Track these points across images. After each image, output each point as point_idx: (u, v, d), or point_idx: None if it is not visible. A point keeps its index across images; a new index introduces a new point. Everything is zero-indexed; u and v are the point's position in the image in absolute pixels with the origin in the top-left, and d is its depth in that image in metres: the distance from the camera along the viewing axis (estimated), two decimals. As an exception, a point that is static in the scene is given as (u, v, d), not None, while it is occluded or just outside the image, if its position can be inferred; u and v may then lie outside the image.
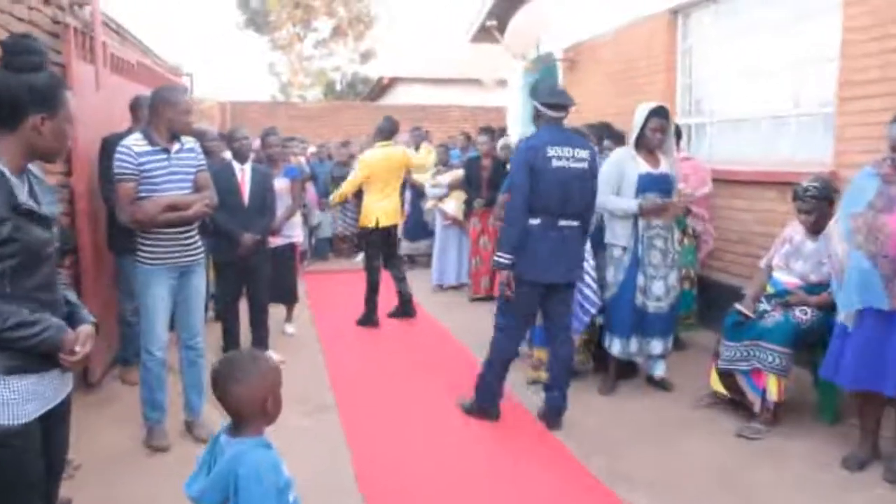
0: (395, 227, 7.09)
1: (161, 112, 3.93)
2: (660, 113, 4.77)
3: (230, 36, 51.74)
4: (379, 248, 6.92)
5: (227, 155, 5.75)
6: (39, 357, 2.09)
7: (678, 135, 5.65)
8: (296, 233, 6.65)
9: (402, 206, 9.97)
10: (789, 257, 4.49)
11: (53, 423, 2.23)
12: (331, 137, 14.91)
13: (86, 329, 2.22)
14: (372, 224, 6.79)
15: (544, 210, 4.19)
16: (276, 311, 6.20)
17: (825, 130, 5.48)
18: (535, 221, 4.20)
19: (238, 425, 2.04)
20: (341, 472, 3.85)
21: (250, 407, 2.01)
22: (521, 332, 4.60)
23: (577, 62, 9.66)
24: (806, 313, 4.27)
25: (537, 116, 4.37)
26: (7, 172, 2.04)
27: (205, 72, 39.56)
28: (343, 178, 10.86)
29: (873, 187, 3.66)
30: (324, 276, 9.72)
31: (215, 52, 50.52)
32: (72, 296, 2.36)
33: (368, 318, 6.92)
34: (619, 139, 5.77)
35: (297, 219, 6.77)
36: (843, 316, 3.75)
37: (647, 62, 7.77)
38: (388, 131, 7.00)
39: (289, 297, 6.63)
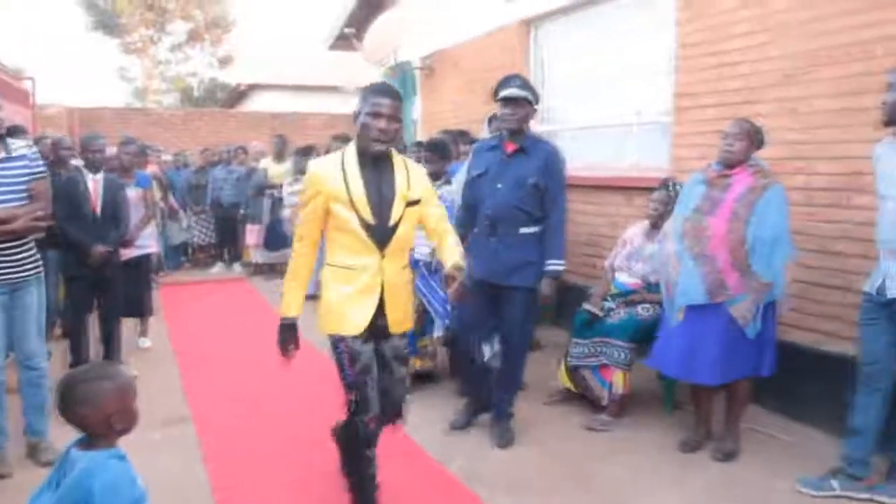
0: None
1: None
2: (494, 119, 4.94)
3: (77, 39, 49.04)
4: None
5: (77, 163, 5.46)
6: None
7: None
8: (150, 243, 6.36)
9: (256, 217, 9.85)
10: (630, 259, 4.72)
11: None
12: (188, 145, 14.43)
13: None
14: None
15: None
16: (129, 325, 5.97)
17: (662, 138, 5.80)
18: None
19: (89, 439, 1.94)
20: (197, 482, 3.75)
21: (97, 423, 1.96)
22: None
23: (434, 70, 9.80)
24: (648, 310, 4.51)
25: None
26: None
27: (50, 76, 37.31)
28: (202, 186, 10.62)
29: (700, 192, 3.93)
30: (180, 287, 9.37)
31: (61, 56, 47.81)
32: None
33: None
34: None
35: (151, 229, 6.47)
36: (674, 312, 3.98)
37: (502, 71, 7.90)
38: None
39: (143, 310, 6.34)
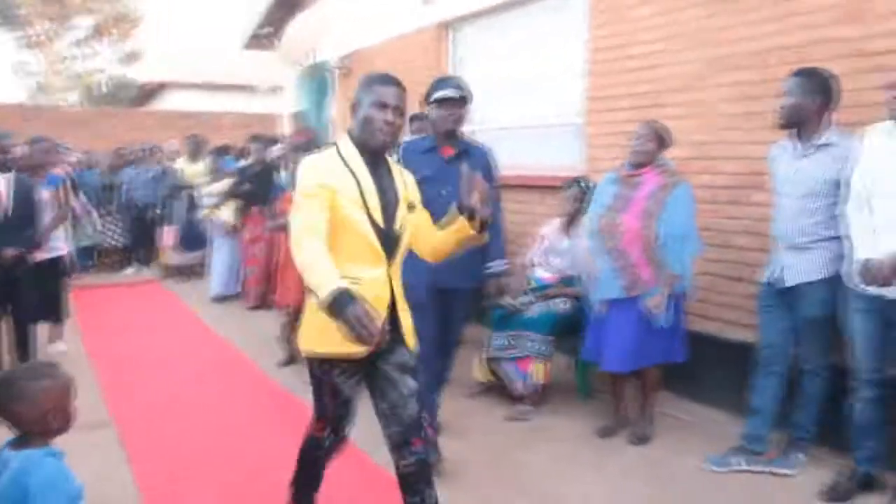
0: None
1: None
2: (418, 118, 5.06)
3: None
4: None
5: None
6: None
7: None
8: (61, 245, 6.18)
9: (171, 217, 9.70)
10: (547, 254, 4.93)
11: None
12: (97, 144, 14.01)
13: None
14: None
15: None
16: (43, 329, 5.87)
17: (577, 139, 6.04)
18: None
19: (24, 438, 1.96)
20: (122, 484, 3.73)
21: (34, 421, 1.98)
22: None
23: (353, 70, 9.85)
24: (566, 304, 4.71)
25: None
26: None
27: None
28: (114, 187, 10.37)
29: (612, 191, 4.18)
30: (92, 290, 9.14)
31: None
32: None
33: None
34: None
35: (63, 230, 6.29)
36: (596, 305, 4.21)
37: (420, 72, 8.09)
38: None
39: (55, 315, 6.17)
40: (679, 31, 4.94)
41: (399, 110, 2.65)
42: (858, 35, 3.92)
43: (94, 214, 9.58)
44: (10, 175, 5.10)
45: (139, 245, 10.67)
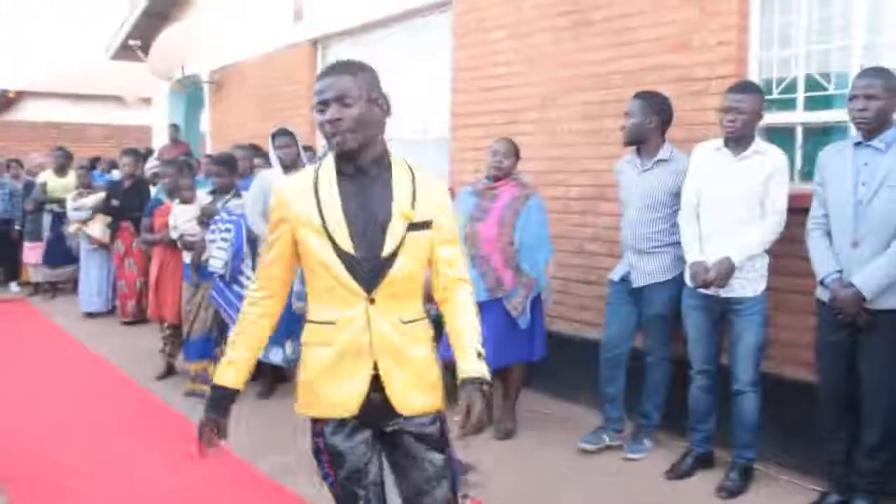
0: None
1: None
2: (281, 134, 5.21)
3: None
4: None
5: None
6: None
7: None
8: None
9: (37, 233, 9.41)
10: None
11: None
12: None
13: None
14: None
15: None
16: None
17: (442, 153, 6.39)
18: None
19: None
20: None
21: None
22: None
23: (223, 84, 9.86)
24: (431, 306, 4.98)
25: None
26: None
27: None
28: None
29: (472, 203, 4.51)
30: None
31: None
32: None
33: None
34: (267, 160, 6.15)
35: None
36: None
37: (291, 88, 8.25)
38: None
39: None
40: (529, 54, 5.34)
41: (342, 100, 2.01)
42: (685, 63, 4.40)
43: None
44: None
45: (1, 262, 10.25)
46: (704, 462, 4.01)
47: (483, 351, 2.28)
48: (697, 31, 4.31)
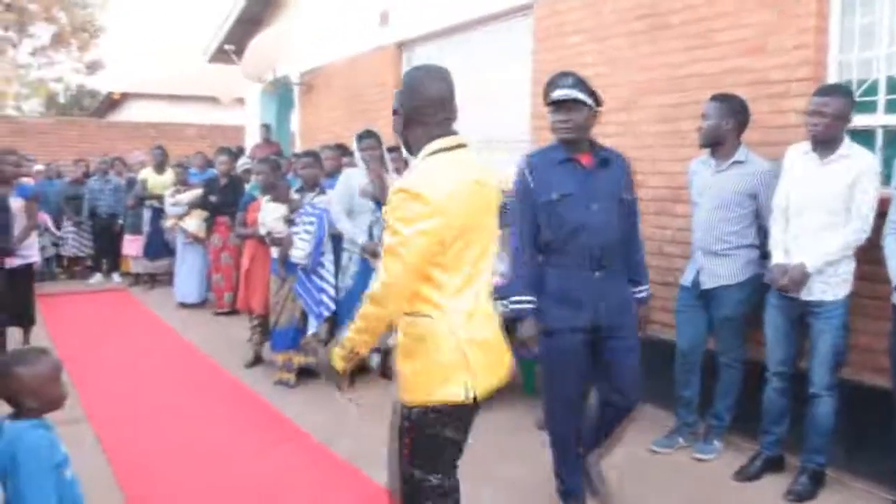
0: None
1: None
2: (366, 136, 5.41)
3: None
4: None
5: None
6: None
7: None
8: (32, 252, 6.47)
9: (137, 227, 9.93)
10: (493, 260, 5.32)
11: None
12: (59, 155, 14.14)
13: None
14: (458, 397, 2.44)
15: None
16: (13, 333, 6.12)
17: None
18: None
19: (19, 412, 2.27)
20: (100, 476, 3.96)
21: (25, 399, 2.25)
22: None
23: (312, 86, 10.19)
24: (506, 306, 5.09)
25: None
26: None
27: None
28: (78, 197, 10.57)
29: None
30: (58, 297, 9.35)
31: None
32: None
33: None
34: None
35: (34, 239, 6.58)
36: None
37: (377, 89, 8.48)
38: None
39: (26, 319, 6.43)
40: (609, 57, 5.39)
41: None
42: (761, 66, 4.39)
43: (52, 226, 9.77)
44: (-19, 186, 5.39)
45: (104, 254, 10.86)
46: (774, 465, 4.01)
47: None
48: (774, 33, 4.30)
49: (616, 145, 4.84)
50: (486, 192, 2.45)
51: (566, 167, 3.34)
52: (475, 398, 2.36)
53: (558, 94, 3.30)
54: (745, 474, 3.98)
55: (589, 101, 3.30)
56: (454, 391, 2.33)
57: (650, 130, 5.10)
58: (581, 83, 3.31)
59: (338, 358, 2.40)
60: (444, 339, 2.31)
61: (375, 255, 5.14)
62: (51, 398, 2.31)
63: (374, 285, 2.33)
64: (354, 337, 2.36)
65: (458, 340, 2.31)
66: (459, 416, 2.41)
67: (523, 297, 3.44)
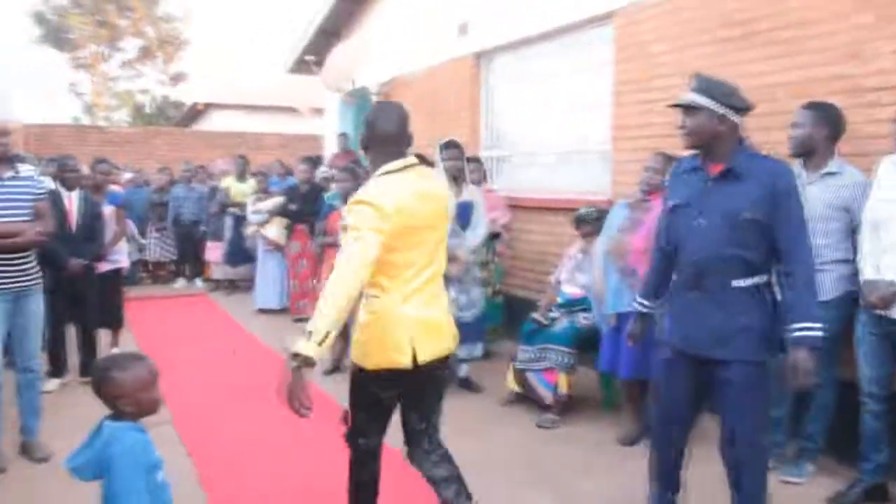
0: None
1: None
2: (450, 146, 5.42)
3: (23, 51, 48.37)
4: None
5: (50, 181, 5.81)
6: None
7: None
8: (122, 258, 6.72)
9: (218, 234, 10.17)
10: (574, 272, 5.27)
11: None
12: (145, 163, 14.65)
13: None
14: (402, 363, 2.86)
15: None
16: (102, 336, 6.29)
17: (604, 165, 6.39)
18: None
19: (117, 414, 2.34)
20: (183, 474, 4.06)
21: (123, 402, 2.32)
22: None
23: (390, 96, 10.28)
24: (588, 319, 5.05)
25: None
26: None
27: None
28: (163, 204, 10.91)
29: (623, 215, 4.55)
30: (144, 302, 9.65)
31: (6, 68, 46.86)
32: None
33: None
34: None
35: (123, 244, 6.83)
36: (607, 319, 4.56)
37: (456, 99, 8.51)
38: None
39: (115, 322, 6.67)
40: (690, 67, 5.26)
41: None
42: (855, 73, 4.23)
43: (136, 234, 10.11)
44: (76, 193, 5.64)
45: (187, 260, 11.18)
46: (876, 494, 3.79)
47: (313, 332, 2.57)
48: (870, 39, 4.14)
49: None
50: (430, 201, 2.90)
51: (692, 176, 3.13)
52: (416, 364, 2.81)
53: (680, 97, 3.13)
54: (841, 501, 3.80)
55: (710, 104, 2.99)
56: (399, 358, 2.79)
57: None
58: (706, 85, 3.04)
59: (310, 348, 2.58)
60: (391, 315, 2.80)
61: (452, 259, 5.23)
62: (147, 403, 2.38)
63: (334, 272, 2.66)
64: (323, 317, 2.58)
65: (404, 317, 2.81)
66: (400, 380, 2.86)
67: (636, 299, 3.53)
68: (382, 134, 2.95)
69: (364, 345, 2.87)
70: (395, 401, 3.01)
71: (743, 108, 3.05)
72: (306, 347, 2.58)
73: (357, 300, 2.71)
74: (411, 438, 3.10)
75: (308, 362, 2.61)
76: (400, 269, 2.82)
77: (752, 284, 2.97)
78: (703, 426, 3.65)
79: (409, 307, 2.83)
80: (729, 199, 2.96)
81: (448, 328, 3.02)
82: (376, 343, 2.83)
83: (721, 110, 2.99)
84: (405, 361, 2.79)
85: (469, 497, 3.06)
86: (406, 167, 2.91)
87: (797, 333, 2.84)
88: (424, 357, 2.83)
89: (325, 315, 2.57)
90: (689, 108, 3.05)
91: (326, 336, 2.57)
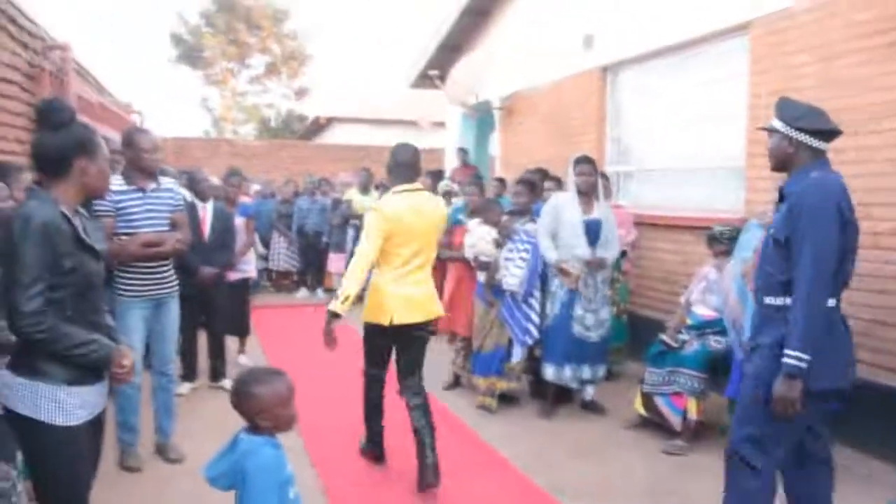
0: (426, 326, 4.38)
1: (130, 152, 4.28)
2: (583, 161, 5.33)
3: (161, 70, 51.68)
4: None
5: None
6: (93, 370, 2.45)
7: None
8: (250, 267, 6.96)
9: (341, 245, 10.35)
10: (705, 293, 5.07)
11: (95, 429, 2.56)
12: (271, 175, 15.19)
13: (126, 348, 2.57)
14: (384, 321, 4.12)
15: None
16: (230, 343, 6.51)
17: (736, 181, 6.14)
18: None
19: (254, 427, 2.39)
20: (308, 485, 4.16)
21: (260, 417, 2.37)
22: None
23: (513, 111, 10.28)
24: (720, 342, 4.84)
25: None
26: (69, 214, 2.39)
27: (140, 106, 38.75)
28: (288, 215, 11.27)
29: (758, 236, 4.29)
30: (268, 310, 9.97)
31: (147, 86, 49.98)
32: (109, 319, 2.69)
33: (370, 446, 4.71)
34: (558, 184, 6.37)
35: (252, 254, 7.09)
36: (740, 346, 4.34)
37: (581, 114, 8.41)
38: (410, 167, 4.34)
39: (243, 329, 6.91)
40: (836, 78, 5.00)
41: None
42: None
43: (260, 245, 10.44)
44: (209, 204, 5.88)
45: (310, 270, 11.48)
46: None
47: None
48: None
49: (845, 174, 4.49)
50: (422, 214, 4.13)
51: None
52: (393, 325, 4.09)
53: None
54: None
55: (782, 127, 3.06)
56: (382, 319, 4.11)
57: (886, 157, 4.67)
58: (781, 108, 3.13)
59: (336, 307, 3.96)
60: (382, 290, 4.13)
61: (562, 272, 5.28)
62: (284, 419, 2.41)
63: (354, 257, 4.06)
64: (345, 285, 3.97)
65: (388, 292, 4.11)
66: (386, 333, 4.16)
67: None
68: (400, 163, 4.21)
69: (367, 307, 4.21)
70: (388, 347, 4.35)
71: (814, 132, 3.01)
72: (334, 305, 3.97)
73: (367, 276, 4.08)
74: (401, 376, 4.35)
75: (335, 315, 3.98)
76: (392, 258, 4.10)
77: (777, 304, 3.03)
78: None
79: (394, 286, 4.11)
80: (777, 222, 3.07)
81: (426, 303, 4.26)
82: (372, 306, 4.18)
83: (791, 133, 3.03)
84: (385, 321, 4.08)
85: (431, 427, 4.25)
86: (410, 190, 4.15)
87: (783, 360, 2.88)
88: (400, 321, 4.10)
89: (347, 286, 3.95)
90: (769, 131, 3.15)
91: (347, 298, 3.92)
